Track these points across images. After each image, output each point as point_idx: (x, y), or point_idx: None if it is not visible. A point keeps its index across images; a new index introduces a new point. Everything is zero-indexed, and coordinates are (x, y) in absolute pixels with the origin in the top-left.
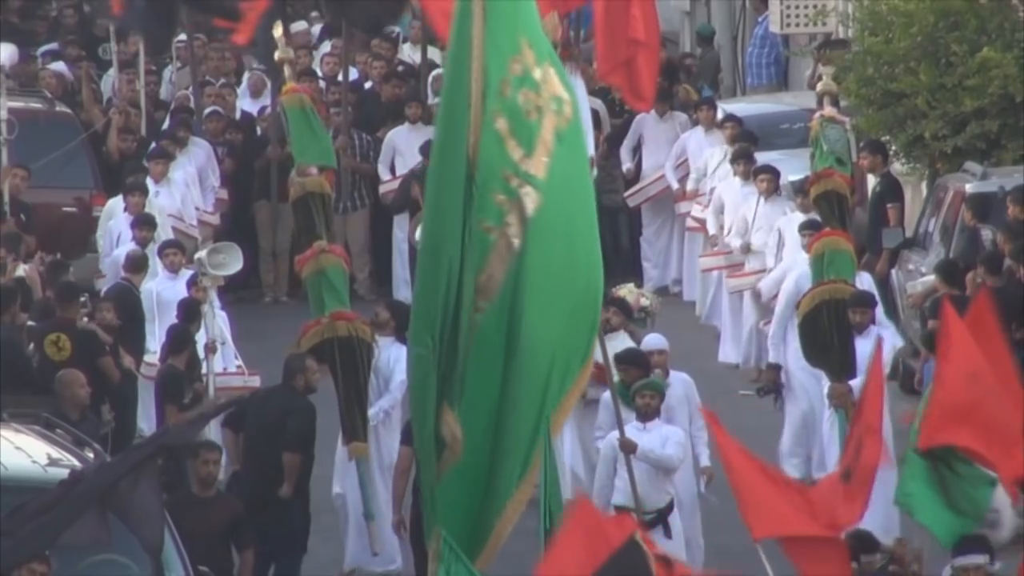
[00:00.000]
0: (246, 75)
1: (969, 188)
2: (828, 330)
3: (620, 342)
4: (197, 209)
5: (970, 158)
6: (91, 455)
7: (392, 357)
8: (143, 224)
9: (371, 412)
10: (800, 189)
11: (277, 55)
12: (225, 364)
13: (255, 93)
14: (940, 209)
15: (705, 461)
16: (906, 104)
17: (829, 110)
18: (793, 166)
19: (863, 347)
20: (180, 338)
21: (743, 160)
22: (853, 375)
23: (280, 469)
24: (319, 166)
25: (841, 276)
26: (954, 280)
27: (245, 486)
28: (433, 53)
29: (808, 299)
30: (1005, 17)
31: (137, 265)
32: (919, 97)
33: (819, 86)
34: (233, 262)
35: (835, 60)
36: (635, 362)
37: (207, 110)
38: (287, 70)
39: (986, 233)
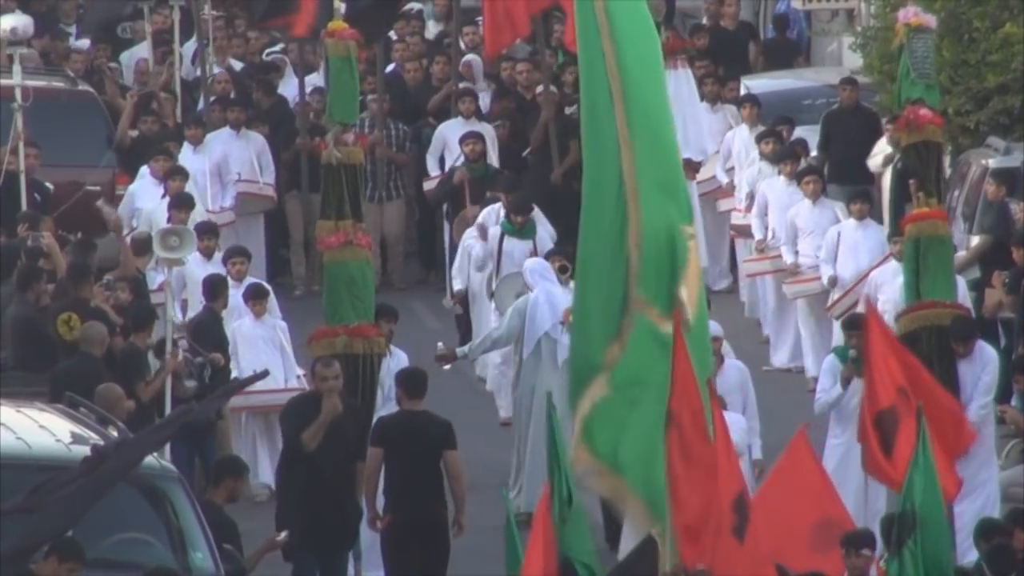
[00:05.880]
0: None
1: (992, 163)
2: (928, 357)
3: None
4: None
5: (993, 133)
6: (114, 433)
7: (388, 365)
8: (180, 205)
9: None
10: (857, 195)
11: None
12: (287, 377)
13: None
14: (963, 184)
15: (757, 453)
16: None
17: (916, 14)
18: (816, 142)
19: (966, 371)
20: (143, 316)
21: (790, 160)
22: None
23: None
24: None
25: (940, 282)
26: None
27: None
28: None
29: (907, 320)
30: None
31: (142, 248)
32: (942, 73)
33: None
34: (187, 245)
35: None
36: (861, 326)
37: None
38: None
39: (1015, 207)
